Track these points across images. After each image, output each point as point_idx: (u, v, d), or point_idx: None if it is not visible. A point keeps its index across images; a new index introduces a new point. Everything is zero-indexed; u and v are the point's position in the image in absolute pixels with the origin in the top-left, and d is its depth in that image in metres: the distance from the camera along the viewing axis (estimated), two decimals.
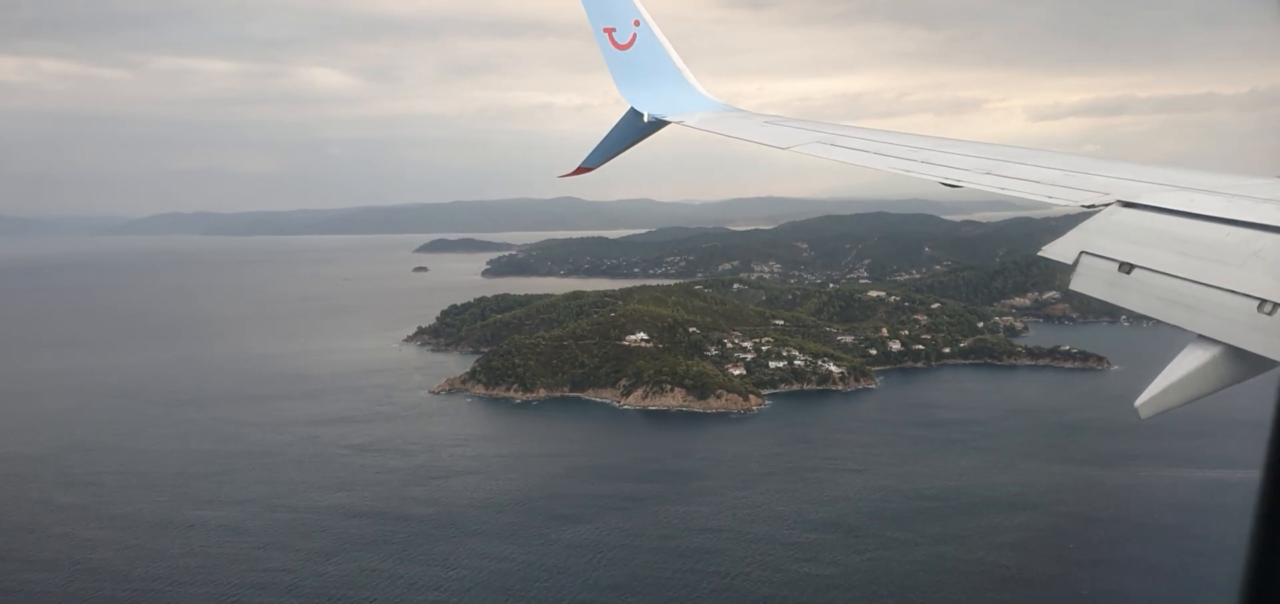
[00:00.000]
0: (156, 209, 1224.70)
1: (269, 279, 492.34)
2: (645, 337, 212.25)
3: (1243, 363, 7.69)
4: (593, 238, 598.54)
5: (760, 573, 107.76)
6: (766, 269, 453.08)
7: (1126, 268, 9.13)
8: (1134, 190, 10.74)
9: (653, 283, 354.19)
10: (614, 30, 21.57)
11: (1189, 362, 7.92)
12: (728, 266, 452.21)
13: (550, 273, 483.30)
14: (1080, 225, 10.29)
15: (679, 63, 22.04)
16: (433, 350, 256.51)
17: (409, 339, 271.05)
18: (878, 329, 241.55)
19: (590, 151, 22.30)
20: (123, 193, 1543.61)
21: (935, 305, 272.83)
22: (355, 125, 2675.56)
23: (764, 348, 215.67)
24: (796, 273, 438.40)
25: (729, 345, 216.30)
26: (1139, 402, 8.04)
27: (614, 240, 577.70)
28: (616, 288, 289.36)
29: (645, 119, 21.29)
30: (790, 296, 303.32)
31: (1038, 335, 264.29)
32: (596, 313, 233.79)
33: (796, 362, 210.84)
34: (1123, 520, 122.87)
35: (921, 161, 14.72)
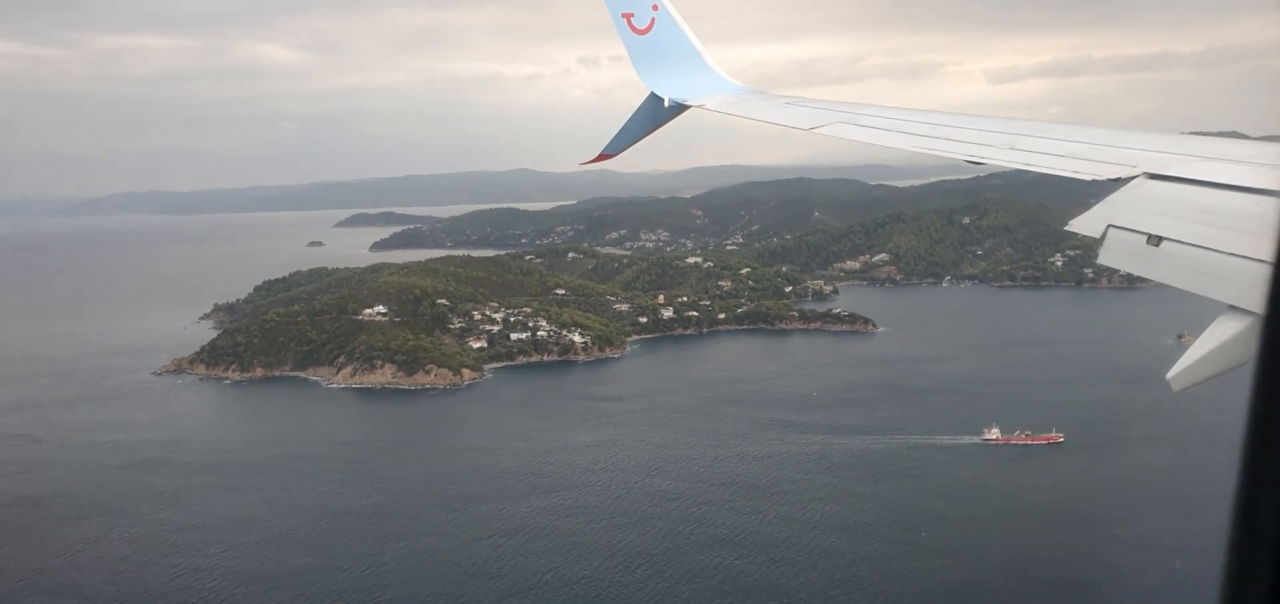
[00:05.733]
0: (112, 189, 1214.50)
1: (148, 258, 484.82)
2: (383, 310, 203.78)
3: None
4: (504, 209, 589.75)
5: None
6: (653, 237, 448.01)
7: (1155, 240, 8.94)
8: (1160, 162, 10.52)
9: (504, 253, 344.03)
10: (632, 16, 21.20)
11: (1220, 333, 7.60)
12: (615, 235, 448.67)
13: (439, 245, 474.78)
14: (1107, 199, 9.96)
15: (698, 46, 21.69)
16: (216, 327, 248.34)
17: (206, 316, 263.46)
18: (654, 296, 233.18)
19: (611, 139, 21.90)
20: (79, 174, 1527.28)
21: (745, 270, 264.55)
22: (306, 100, 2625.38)
23: (513, 319, 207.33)
24: (680, 241, 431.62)
25: (478, 317, 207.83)
26: (1170, 375, 7.67)
27: (527, 213, 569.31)
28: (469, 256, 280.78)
29: (666, 104, 20.78)
30: (617, 265, 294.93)
31: (847, 299, 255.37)
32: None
33: (540, 333, 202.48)
34: (708, 481, 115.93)
35: (944, 139, 14.47)
